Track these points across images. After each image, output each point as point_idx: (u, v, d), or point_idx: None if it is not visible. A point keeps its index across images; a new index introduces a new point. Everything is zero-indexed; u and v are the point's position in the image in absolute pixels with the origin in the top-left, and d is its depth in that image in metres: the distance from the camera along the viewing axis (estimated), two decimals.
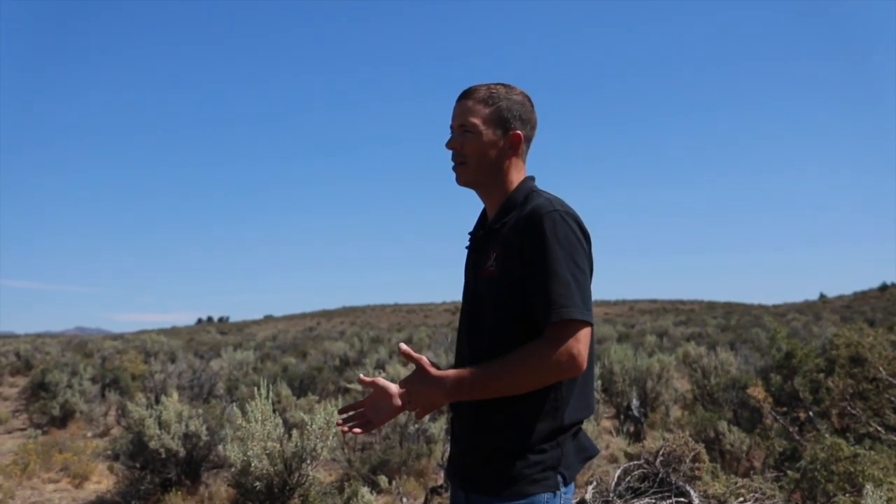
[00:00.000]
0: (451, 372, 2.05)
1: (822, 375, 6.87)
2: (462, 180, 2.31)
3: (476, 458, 2.10)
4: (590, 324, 2.04)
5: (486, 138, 2.24)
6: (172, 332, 50.18)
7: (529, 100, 2.33)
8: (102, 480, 8.02)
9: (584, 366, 2.02)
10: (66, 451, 8.83)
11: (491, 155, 2.26)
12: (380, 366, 14.10)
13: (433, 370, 2.06)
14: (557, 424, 2.07)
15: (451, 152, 2.32)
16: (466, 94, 2.30)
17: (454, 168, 2.31)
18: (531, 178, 2.31)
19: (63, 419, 11.61)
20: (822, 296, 65.09)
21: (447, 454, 6.93)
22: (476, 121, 2.25)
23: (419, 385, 2.07)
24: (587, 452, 2.20)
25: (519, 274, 2.10)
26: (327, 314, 75.37)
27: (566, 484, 2.11)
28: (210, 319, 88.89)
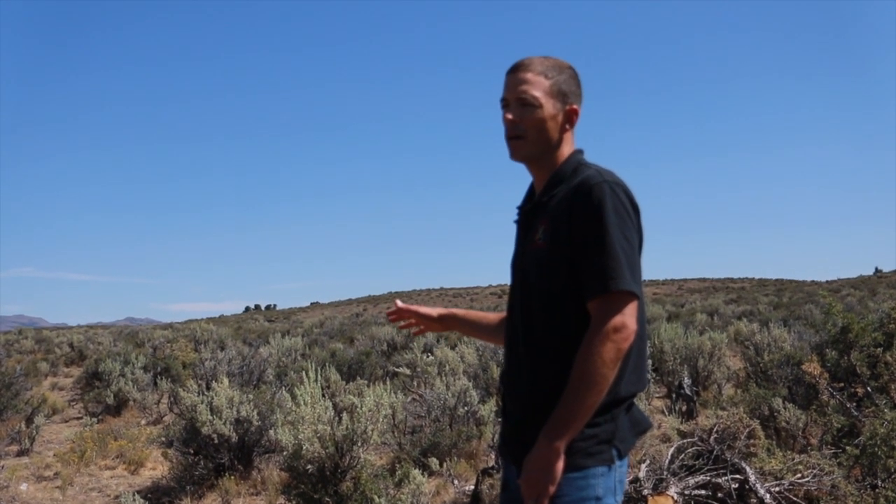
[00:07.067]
0: (543, 432, 2.00)
1: (880, 350, 6.69)
2: (519, 155, 2.24)
3: (531, 434, 2.04)
4: (637, 296, 2.00)
5: (547, 112, 2.18)
6: (221, 320, 50.91)
7: (577, 74, 2.28)
8: (157, 466, 8.15)
9: (633, 335, 1.98)
10: (122, 438, 9.00)
11: (550, 129, 2.19)
12: (427, 349, 14.12)
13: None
14: (612, 398, 2.02)
15: (504, 128, 2.23)
16: (522, 67, 2.22)
17: (510, 142, 2.23)
18: (580, 151, 2.26)
19: (117, 407, 11.83)
20: (877, 270, 63.66)
21: (498, 434, 6.91)
22: (538, 93, 2.17)
23: (532, 469, 2.00)
24: (641, 426, 2.16)
25: (567, 246, 2.05)
26: (373, 300, 75.75)
27: (620, 458, 2.07)
28: (257, 307, 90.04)
